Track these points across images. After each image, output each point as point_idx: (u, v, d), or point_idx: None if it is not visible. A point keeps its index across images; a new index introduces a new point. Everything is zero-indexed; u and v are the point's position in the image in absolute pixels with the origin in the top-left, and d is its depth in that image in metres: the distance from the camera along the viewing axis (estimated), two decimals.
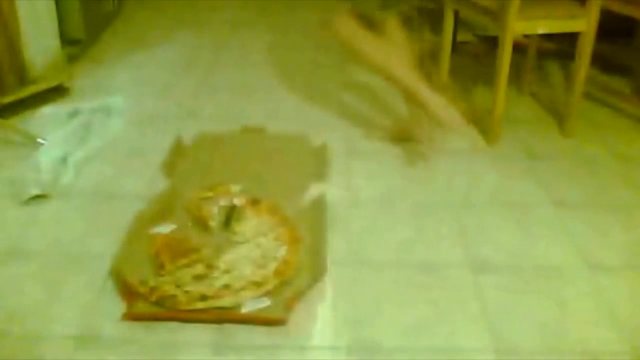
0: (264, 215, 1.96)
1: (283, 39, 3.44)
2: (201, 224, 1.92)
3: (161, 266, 1.73)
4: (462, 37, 3.29)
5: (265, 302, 1.63)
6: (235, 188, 2.11)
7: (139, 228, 1.89)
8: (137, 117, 2.61)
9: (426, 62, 2.46)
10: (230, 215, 1.95)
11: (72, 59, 2.98)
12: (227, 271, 1.72)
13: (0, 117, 2.46)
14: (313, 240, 1.86)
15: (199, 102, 2.75)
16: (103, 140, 2.42)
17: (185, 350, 1.52)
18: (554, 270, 1.82)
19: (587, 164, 2.35)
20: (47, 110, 2.58)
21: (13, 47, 2.57)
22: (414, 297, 1.71)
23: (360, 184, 2.19)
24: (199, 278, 1.69)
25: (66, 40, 2.92)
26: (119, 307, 1.63)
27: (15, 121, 2.49)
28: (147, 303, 1.62)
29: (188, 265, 1.74)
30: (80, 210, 2.03)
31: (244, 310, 1.61)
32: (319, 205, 2.03)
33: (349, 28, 2.30)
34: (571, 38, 2.43)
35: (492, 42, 2.87)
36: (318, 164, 2.28)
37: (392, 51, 2.30)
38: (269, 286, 1.67)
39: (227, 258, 1.77)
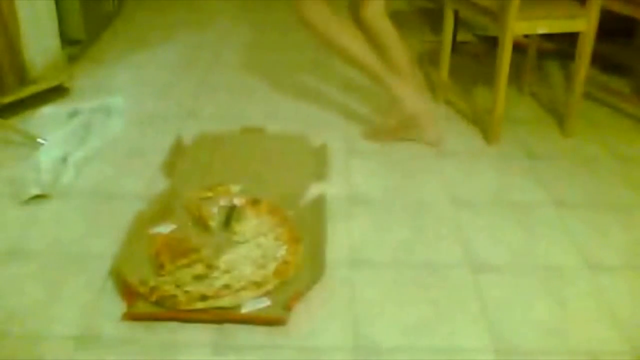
0: (264, 215, 1.96)
1: (283, 39, 3.44)
2: (201, 224, 1.92)
3: (161, 266, 1.73)
4: (462, 37, 3.29)
5: (265, 302, 1.63)
6: (235, 188, 2.11)
7: (139, 228, 1.89)
8: (137, 117, 2.61)
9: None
10: (230, 215, 1.95)
11: (72, 59, 2.98)
12: (227, 271, 1.72)
13: (0, 117, 2.46)
14: (313, 240, 1.86)
15: (199, 102, 2.75)
16: (103, 140, 2.42)
17: (185, 350, 1.52)
18: (554, 270, 1.82)
19: (587, 163, 2.35)
20: (47, 110, 2.58)
21: (13, 47, 2.57)
22: (414, 297, 1.71)
23: (360, 184, 2.19)
24: (199, 278, 1.69)
25: (66, 40, 2.92)
26: (119, 307, 1.63)
27: (15, 121, 2.49)
28: (147, 303, 1.62)
29: (188, 265, 1.74)
30: (80, 210, 2.03)
31: (244, 310, 1.61)
32: (319, 205, 2.03)
33: (315, 13, 2.30)
34: (571, 38, 2.43)
35: (492, 42, 2.87)
36: (318, 163, 2.28)
37: (357, 35, 2.32)
38: (269, 286, 1.67)
39: (227, 258, 1.77)
